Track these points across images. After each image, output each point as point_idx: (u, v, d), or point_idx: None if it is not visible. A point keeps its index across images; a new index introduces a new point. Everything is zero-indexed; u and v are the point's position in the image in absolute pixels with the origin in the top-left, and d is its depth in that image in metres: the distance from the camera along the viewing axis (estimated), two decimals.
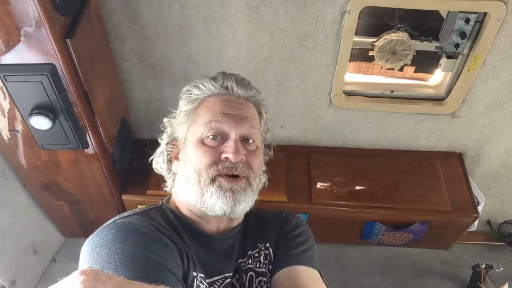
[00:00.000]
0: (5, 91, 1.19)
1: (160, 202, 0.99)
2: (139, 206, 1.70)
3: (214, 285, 0.89)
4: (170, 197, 1.01)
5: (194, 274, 0.84)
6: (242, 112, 0.92)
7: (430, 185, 1.76)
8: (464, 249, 2.09)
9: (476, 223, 1.78)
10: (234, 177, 0.88)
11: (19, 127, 1.34)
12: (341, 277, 1.94)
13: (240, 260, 0.95)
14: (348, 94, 1.70)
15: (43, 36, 1.09)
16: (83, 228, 1.91)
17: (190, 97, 0.95)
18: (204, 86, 0.93)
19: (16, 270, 1.73)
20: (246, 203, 0.88)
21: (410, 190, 1.75)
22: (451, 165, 1.83)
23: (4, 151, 1.46)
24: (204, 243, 0.92)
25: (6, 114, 1.29)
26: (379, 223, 1.75)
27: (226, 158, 0.87)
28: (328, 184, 1.75)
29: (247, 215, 0.98)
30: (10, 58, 1.13)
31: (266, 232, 0.99)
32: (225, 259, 0.93)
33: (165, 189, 1.03)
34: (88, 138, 1.40)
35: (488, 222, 2.12)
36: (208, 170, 0.86)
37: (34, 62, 1.14)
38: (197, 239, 0.91)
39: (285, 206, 1.67)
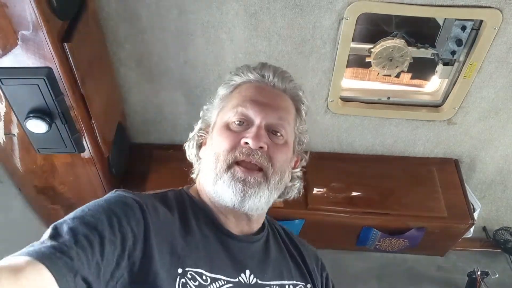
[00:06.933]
0: (1, 94, 1.19)
1: (180, 187, 0.95)
2: None
3: (217, 282, 0.82)
4: (193, 184, 0.98)
5: (180, 270, 0.77)
6: (273, 101, 0.89)
7: (426, 192, 1.76)
8: (460, 256, 2.10)
9: (472, 229, 1.78)
10: (252, 169, 0.83)
11: (15, 130, 1.33)
12: (337, 283, 1.91)
13: (272, 283, 0.89)
14: (345, 100, 1.70)
15: (40, 39, 1.09)
16: None
17: (229, 83, 0.94)
18: (243, 73, 0.93)
19: None
20: (258, 199, 0.83)
21: (406, 196, 1.75)
22: (447, 171, 1.83)
23: None
24: (219, 236, 0.87)
25: (2, 118, 1.29)
26: (375, 229, 1.75)
27: (246, 143, 0.83)
28: (324, 189, 1.75)
29: (279, 233, 1.01)
30: (7, 61, 1.12)
31: (309, 270, 0.99)
32: (233, 262, 0.86)
33: (191, 175, 0.99)
34: (84, 142, 1.39)
35: (484, 228, 2.13)
36: (226, 155, 0.83)
37: (31, 65, 1.14)
38: (214, 231, 0.87)
39: (281, 211, 1.66)
